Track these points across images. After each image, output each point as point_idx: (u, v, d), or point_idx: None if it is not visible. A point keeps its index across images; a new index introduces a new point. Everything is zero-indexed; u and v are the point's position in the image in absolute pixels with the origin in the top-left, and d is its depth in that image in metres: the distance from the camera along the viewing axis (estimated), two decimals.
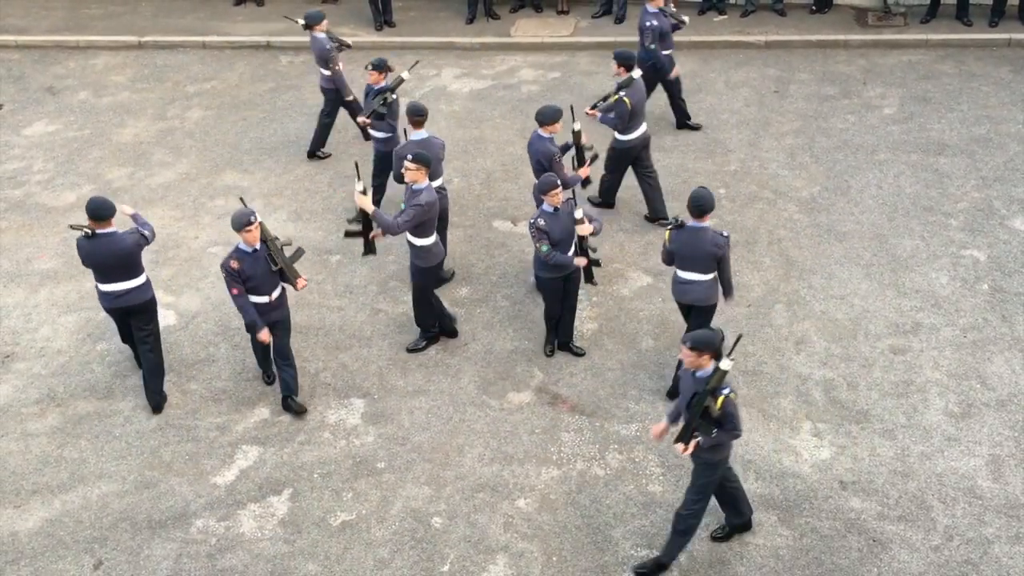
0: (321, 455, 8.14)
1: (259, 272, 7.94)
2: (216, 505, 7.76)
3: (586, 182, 9.51)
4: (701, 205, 7.73)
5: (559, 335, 8.95)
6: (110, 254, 8.01)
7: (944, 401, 8.31)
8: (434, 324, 9.05)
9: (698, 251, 7.85)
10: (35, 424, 8.54)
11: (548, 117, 9.02)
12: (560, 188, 8.15)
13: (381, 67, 10.11)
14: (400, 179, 8.92)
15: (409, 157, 8.29)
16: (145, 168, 11.98)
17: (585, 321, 9.31)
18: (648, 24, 11.26)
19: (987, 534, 7.24)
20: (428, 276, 8.71)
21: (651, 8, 11.33)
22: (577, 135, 9.28)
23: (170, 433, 8.39)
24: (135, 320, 8.41)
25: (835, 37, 13.93)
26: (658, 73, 11.49)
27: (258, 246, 7.91)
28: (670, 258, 8.08)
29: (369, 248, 8.75)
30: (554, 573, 7.15)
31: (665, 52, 11.42)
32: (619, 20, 14.69)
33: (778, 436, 8.10)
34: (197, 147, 12.35)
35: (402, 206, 8.52)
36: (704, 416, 6.44)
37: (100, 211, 7.92)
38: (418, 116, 9.15)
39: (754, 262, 9.93)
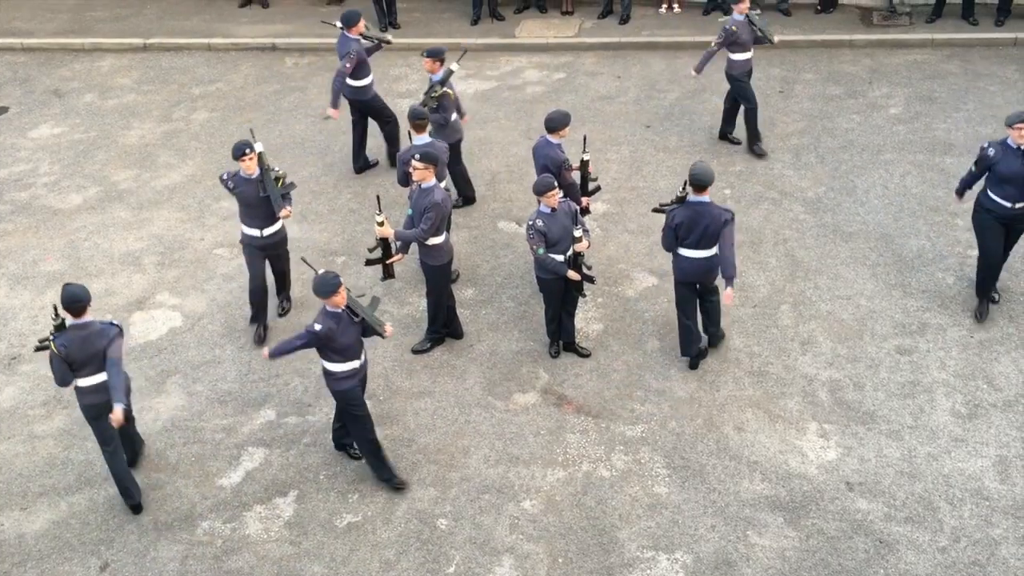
0: (327, 457, 8.14)
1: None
2: (222, 507, 7.77)
3: (584, 211, 9.34)
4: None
5: (562, 336, 8.95)
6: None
7: (951, 402, 8.29)
8: (445, 324, 9.06)
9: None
10: (42, 426, 8.56)
11: (558, 123, 8.98)
12: (557, 189, 8.16)
13: (438, 54, 10.09)
14: (404, 182, 8.92)
15: (416, 156, 8.32)
16: (151, 170, 12.00)
17: (591, 322, 9.30)
18: None
19: (994, 535, 7.22)
20: (440, 273, 8.74)
21: None
22: (584, 164, 9.24)
23: (176, 435, 8.40)
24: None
25: (840, 37, 13.91)
26: None
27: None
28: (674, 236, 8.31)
29: (388, 273, 8.81)
30: (560, 574, 7.14)
31: None
32: (623, 21, 14.67)
33: (784, 437, 8.08)
34: (203, 149, 12.37)
35: (409, 211, 8.55)
36: None
37: None
38: (420, 120, 9.14)
39: (760, 262, 9.92)
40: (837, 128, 12.02)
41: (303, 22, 15.21)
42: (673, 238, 8.28)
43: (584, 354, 8.94)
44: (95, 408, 7.29)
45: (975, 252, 9.84)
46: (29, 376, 9.05)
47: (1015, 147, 8.43)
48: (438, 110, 9.96)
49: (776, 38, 11.38)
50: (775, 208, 10.70)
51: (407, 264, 9.65)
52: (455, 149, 10.29)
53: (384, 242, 8.56)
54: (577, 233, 8.27)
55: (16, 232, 10.99)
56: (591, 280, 8.57)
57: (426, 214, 8.33)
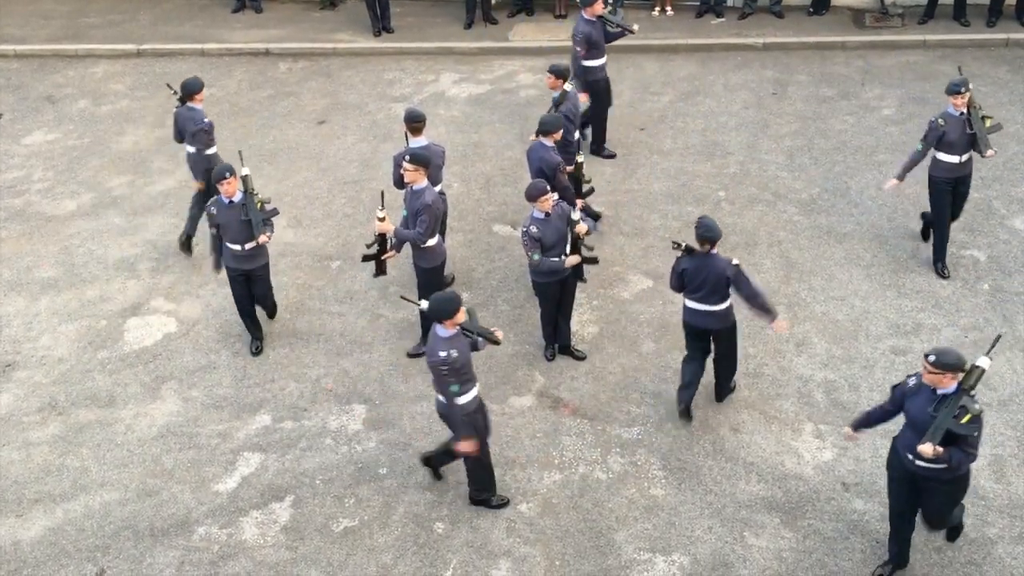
0: (323, 461, 8.13)
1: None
2: (218, 512, 7.76)
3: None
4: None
5: (558, 339, 8.96)
6: None
7: None
8: None
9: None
10: (36, 433, 8.54)
11: (552, 126, 9.01)
12: (550, 194, 8.16)
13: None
14: (399, 184, 8.93)
15: (407, 158, 8.34)
16: (145, 176, 11.99)
17: (586, 324, 9.31)
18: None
19: (990, 534, 7.24)
20: (433, 276, 8.74)
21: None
22: (579, 166, 9.26)
23: (172, 441, 8.39)
24: None
25: (833, 39, 13.94)
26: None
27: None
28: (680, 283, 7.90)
29: (381, 270, 8.81)
30: None
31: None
32: None
33: (780, 438, 8.09)
34: None
35: (403, 212, 8.56)
36: None
37: None
38: (416, 122, 9.13)
39: (754, 264, 9.93)
40: (830, 129, 12.04)
41: (296, 27, 15.22)
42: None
43: (580, 357, 8.95)
44: (192, 171, 10.09)
45: (968, 252, 9.88)
46: (24, 383, 9.04)
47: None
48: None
49: (989, 153, 9.09)
50: (769, 210, 10.72)
51: (403, 268, 9.64)
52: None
53: (382, 237, 8.56)
54: (575, 215, 8.24)
55: (10, 239, 10.97)
56: (594, 261, 8.45)
57: (419, 216, 8.33)
